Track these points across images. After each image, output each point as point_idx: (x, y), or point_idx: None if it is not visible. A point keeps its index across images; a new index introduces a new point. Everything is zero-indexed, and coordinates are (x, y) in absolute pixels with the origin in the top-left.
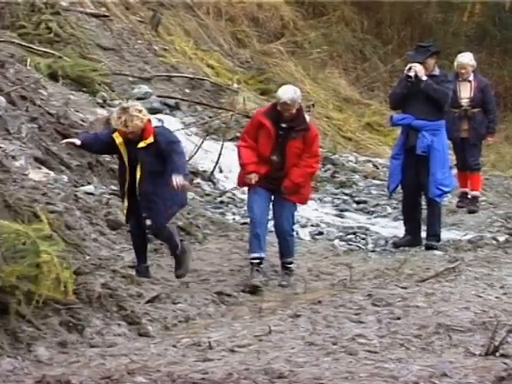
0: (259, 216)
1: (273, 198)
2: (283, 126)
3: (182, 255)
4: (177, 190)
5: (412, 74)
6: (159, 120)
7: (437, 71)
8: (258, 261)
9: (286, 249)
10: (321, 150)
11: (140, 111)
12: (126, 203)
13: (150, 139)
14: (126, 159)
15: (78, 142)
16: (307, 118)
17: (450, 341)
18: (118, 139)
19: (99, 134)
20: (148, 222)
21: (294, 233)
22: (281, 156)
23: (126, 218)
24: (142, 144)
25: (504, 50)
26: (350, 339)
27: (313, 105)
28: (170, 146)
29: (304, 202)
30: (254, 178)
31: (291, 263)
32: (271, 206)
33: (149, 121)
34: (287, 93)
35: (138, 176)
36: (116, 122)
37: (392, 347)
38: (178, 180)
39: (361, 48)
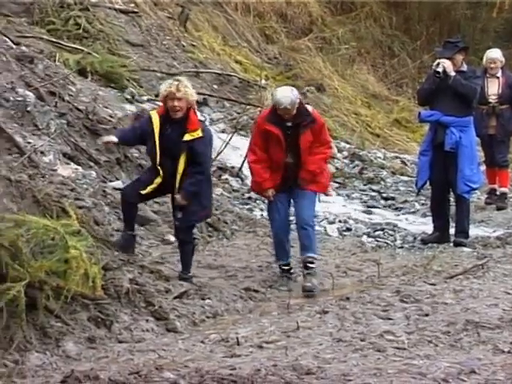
0: (281, 223)
1: (291, 193)
2: (289, 125)
3: (191, 257)
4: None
5: (440, 69)
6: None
7: (465, 67)
8: (286, 267)
9: (305, 240)
10: (349, 145)
11: (189, 85)
12: (158, 180)
13: (198, 133)
14: (157, 141)
15: (115, 139)
16: (309, 107)
17: (479, 337)
18: (155, 116)
19: (134, 126)
20: (179, 214)
21: (320, 229)
22: (294, 155)
23: (140, 188)
24: (188, 136)
25: None
26: (378, 336)
27: (307, 90)
28: (203, 157)
29: (324, 191)
30: (271, 193)
31: (313, 262)
32: (291, 202)
33: (194, 110)
34: (286, 97)
35: (180, 169)
36: (167, 86)
37: (420, 344)
38: (181, 200)
39: (389, 44)
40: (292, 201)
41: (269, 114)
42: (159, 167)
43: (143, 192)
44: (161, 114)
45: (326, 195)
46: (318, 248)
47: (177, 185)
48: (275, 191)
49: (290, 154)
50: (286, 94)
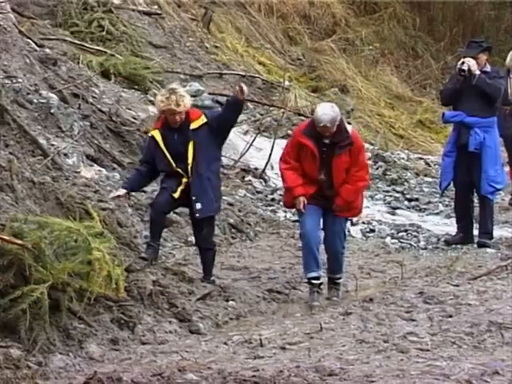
0: (312, 234)
1: (323, 212)
2: (326, 142)
3: (213, 263)
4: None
5: (465, 67)
6: None
7: (488, 68)
8: (317, 281)
9: (335, 266)
10: (372, 147)
11: (185, 92)
12: (184, 180)
13: (202, 118)
14: (167, 152)
15: (123, 192)
16: (349, 128)
17: (503, 339)
18: (157, 136)
19: (139, 168)
20: (198, 205)
21: (345, 245)
22: (327, 174)
23: (171, 193)
24: (194, 125)
25: None
26: (401, 337)
27: (352, 109)
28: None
29: (357, 215)
30: (302, 201)
31: (340, 278)
32: (322, 220)
33: None
34: (326, 114)
35: (190, 159)
36: (165, 102)
37: (444, 345)
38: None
39: (413, 45)
40: (323, 220)
41: (307, 126)
42: (179, 169)
43: (175, 195)
44: (159, 127)
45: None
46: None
47: (190, 174)
48: (308, 202)
49: (324, 172)
50: (327, 112)
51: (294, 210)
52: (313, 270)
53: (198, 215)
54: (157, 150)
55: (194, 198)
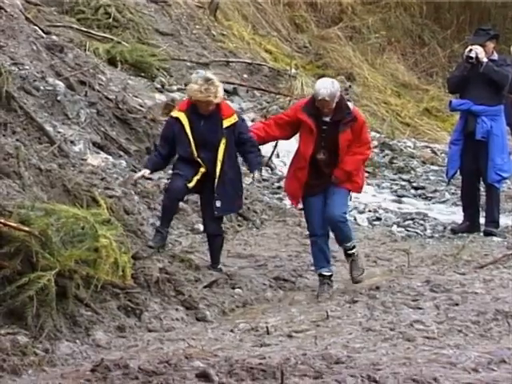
0: (318, 229)
1: (324, 193)
2: (326, 120)
3: (220, 250)
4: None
5: (473, 54)
6: None
7: (495, 56)
8: (328, 273)
9: (341, 235)
10: (379, 135)
11: (219, 82)
12: (202, 169)
13: (235, 117)
14: (192, 139)
15: (147, 172)
16: (350, 105)
17: (509, 327)
18: (184, 119)
19: (159, 150)
20: (218, 203)
21: (350, 218)
22: (328, 152)
23: (186, 181)
24: (227, 123)
25: None
26: (407, 325)
27: (350, 86)
28: (247, 133)
29: (358, 191)
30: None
31: (353, 248)
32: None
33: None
34: (325, 88)
35: (220, 156)
36: (204, 94)
37: (450, 333)
38: (257, 176)
39: (419, 33)
40: (324, 196)
41: (306, 103)
42: (199, 159)
43: (190, 185)
44: (185, 109)
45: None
46: (354, 235)
47: (217, 173)
48: (308, 194)
49: (324, 151)
50: (326, 86)
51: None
52: (322, 266)
53: (216, 213)
54: (181, 134)
55: (216, 195)
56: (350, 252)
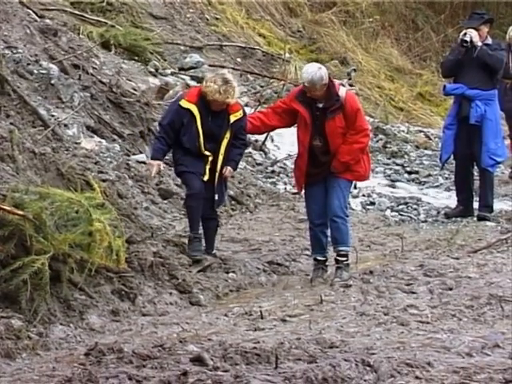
0: (316, 218)
1: (325, 183)
2: (319, 106)
3: (215, 234)
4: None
5: (468, 38)
6: None
7: (489, 40)
8: (322, 258)
9: (336, 233)
10: (372, 119)
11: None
12: (210, 159)
13: (240, 113)
14: (200, 129)
15: (161, 164)
16: (342, 92)
17: (503, 312)
18: (195, 111)
19: (164, 137)
20: (217, 196)
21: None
22: (323, 138)
23: (200, 177)
24: (233, 118)
25: None
26: (401, 309)
27: (354, 70)
28: (243, 132)
29: (361, 179)
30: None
31: (345, 256)
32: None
33: None
34: (307, 73)
35: (223, 150)
36: (223, 96)
37: (444, 318)
38: (230, 172)
39: (413, 17)
40: (325, 186)
41: (299, 91)
42: (206, 152)
43: (205, 178)
44: (196, 102)
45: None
46: (351, 239)
47: (219, 165)
48: (308, 183)
49: (319, 138)
50: (311, 70)
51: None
52: (317, 252)
53: (215, 205)
54: (191, 127)
55: (216, 188)
56: (340, 258)
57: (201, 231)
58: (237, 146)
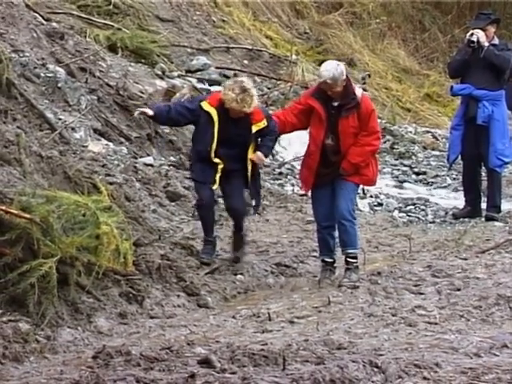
0: (323, 221)
1: (333, 185)
2: (334, 104)
3: (245, 238)
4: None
5: (474, 38)
6: None
7: (496, 40)
8: (330, 260)
9: (344, 236)
10: (379, 120)
11: (255, 89)
12: (221, 166)
13: (264, 122)
14: (216, 135)
15: (150, 112)
16: (358, 92)
17: (511, 312)
18: (215, 116)
19: (176, 105)
20: (253, 202)
21: (355, 215)
22: (335, 138)
23: (210, 186)
24: (255, 128)
25: None
26: (409, 310)
27: (369, 75)
28: (273, 135)
29: (369, 184)
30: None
31: (355, 257)
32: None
33: None
34: (327, 70)
35: (249, 158)
36: (239, 105)
37: (452, 318)
38: (262, 158)
39: (420, 18)
40: (333, 188)
41: (316, 88)
42: (216, 159)
43: (214, 187)
44: (216, 107)
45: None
46: (359, 241)
47: (249, 174)
48: (316, 184)
49: (331, 136)
50: (329, 68)
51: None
52: (325, 253)
53: (253, 211)
54: (206, 130)
55: (250, 195)
56: (350, 260)
57: (216, 234)
58: (268, 138)
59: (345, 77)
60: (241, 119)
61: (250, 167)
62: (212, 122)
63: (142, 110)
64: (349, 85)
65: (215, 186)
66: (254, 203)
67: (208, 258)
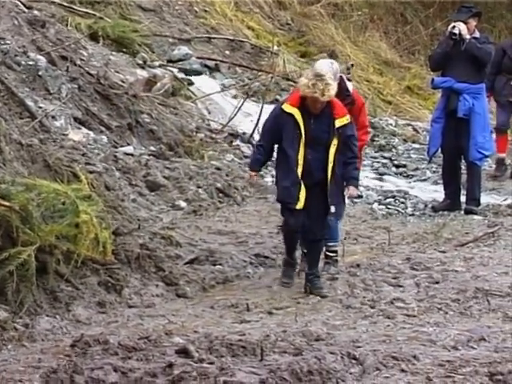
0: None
1: None
2: None
3: (320, 253)
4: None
5: (456, 31)
6: None
7: (477, 34)
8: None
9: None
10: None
11: (332, 79)
12: (302, 192)
13: (347, 118)
14: (303, 135)
15: (258, 176)
16: (350, 87)
17: (489, 305)
18: (298, 116)
19: (267, 144)
20: (333, 208)
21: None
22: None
23: (293, 206)
24: (339, 123)
25: None
26: (387, 303)
27: (352, 65)
28: (355, 141)
29: None
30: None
31: (335, 251)
32: None
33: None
34: (323, 70)
35: (331, 158)
36: (311, 90)
37: (430, 311)
38: (354, 193)
39: (402, 11)
40: None
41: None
42: (301, 160)
43: (298, 207)
44: (298, 106)
45: None
46: (339, 238)
47: (329, 175)
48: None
49: None
50: (325, 66)
51: None
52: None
53: (332, 219)
54: (293, 131)
55: (329, 199)
56: (330, 254)
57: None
58: (348, 161)
59: (339, 74)
60: (322, 114)
61: (329, 172)
62: (297, 123)
63: (252, 183)
64: (341, 81)
65: (299, 206)
66: (332, 210)
67: (291, 283)
